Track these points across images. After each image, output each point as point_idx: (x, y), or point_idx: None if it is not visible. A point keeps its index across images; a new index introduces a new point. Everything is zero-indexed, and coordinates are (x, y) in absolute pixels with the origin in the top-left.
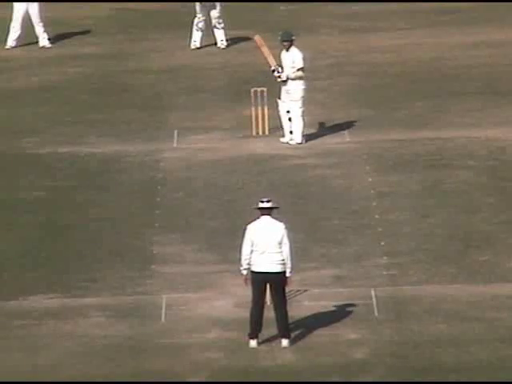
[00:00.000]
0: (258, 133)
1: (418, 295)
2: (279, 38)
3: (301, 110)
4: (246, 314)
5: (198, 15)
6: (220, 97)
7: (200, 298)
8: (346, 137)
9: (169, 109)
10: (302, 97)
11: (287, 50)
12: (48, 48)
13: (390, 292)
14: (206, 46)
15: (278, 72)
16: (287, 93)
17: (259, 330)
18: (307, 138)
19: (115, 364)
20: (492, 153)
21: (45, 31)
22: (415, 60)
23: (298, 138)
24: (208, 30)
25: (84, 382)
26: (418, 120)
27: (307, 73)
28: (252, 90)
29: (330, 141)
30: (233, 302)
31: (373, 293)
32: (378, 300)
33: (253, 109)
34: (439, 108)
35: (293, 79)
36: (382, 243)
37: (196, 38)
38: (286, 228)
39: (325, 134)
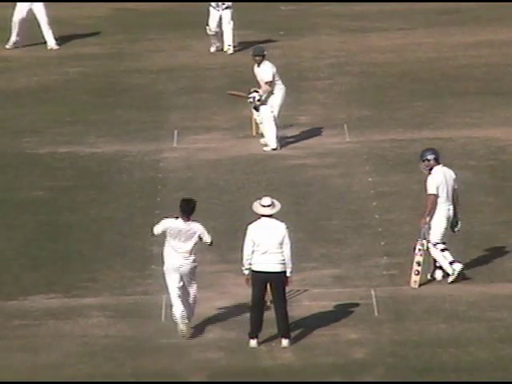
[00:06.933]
0: (257, 133)
1: (417, 295)
2: (251, 53)
3: (272, 114)
4: (246, 313)
5: (212, 16)
6: (220, 97)
7: (200, 297)
8: (345, 137)
9: (169, 109)
10: (279, 105)
11: (258, 65)
12: (56, 49)
13: (390, 292)
14: (205, 46)
15: (254, 99)
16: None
17: (259, 330)
18: (307, 138)
19: (115, 364)
20: (492, 153)
21: (51, 33)
22: (415, 60)
23: (272, 143)
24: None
25: (84, 381)
26: (418, 120)
27: (307, 73)
28: (252, 90)
29: (330, 141)
30: (233, 301)
31: (373, 293)
32: (378, 300)
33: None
34: (439, 108)
35: (264, 95)
36: (382, 243)
37: (214, 41)
38: (287, 228)
39: (325, 134)
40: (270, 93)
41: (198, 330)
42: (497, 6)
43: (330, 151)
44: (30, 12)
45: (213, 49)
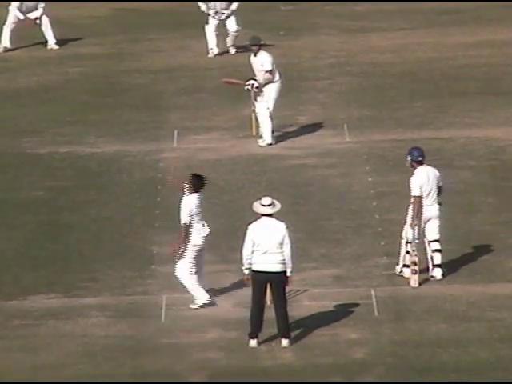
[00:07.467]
0: (257, 133)
1: (417, 295)
2: (248, 42)
3: (268, 110)
4: (246, 313)
5: (211, 21)
6: (220, 97)
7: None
8: (345, 137)
9: (169, 109)
10: (274, 98)
11: (255, 55)
12: (56, 49)
13: (389, 292)
14: (205, 46)
15: (252, 86)
16: (261, 93)
17: (259, 330)
18: (307, 138)
19: (115, 364)
20: (492, 153)
21: (52, 33)
22: (415, 60)
23: (268, 138)
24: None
25: (84, 381)
26: (418, 120)
27: (307, 73)
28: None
29: (330, 141)
30: (233, 302)
31: (373, 293)
32: (378, 300)
33: (252, 109)
34: (439, 108)
35: (264, 84)
36: (382, 243)
37: (212, 45)
38: (287, 228)
39: (325, 134)
40: (268, 83)
41: (198, 330)
42: (497, 6)
43: (330, 151)
44: (27, 13)
45: (215, 50)
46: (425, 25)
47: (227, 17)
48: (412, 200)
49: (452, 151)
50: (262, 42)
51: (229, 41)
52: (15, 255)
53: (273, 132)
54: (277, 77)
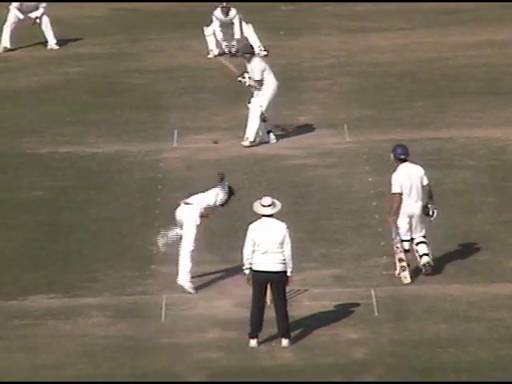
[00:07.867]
0: (257, 132)
1: (417, 295)
2: (240, 51)
3: (260, 108)
4: (246, 313)
5: (212, 25)
6: (220, 97)
7: (200, 298)
8: (345, 137)
9: (169, 109)
10: (269, 99)
11: (249, 62)
12: (56, 49)
13: (390, 292)
14: (205, 46)
15: (244, 78)
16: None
17: (259, 330)
18: (307, 138)
19: (115, 364)
20: (492, 153)
21: (52, 33)
22: (415, 60)
23: (251, 136)
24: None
25: (84, 381)
26: (418, 120)
27: (307, 73)
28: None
29: (330, 141)
30: (233, 302)
31: (373, 293)
32: (378, 300)
33: None
34: (439, 108)
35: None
36: (382, 243)
37: (212, 47)
38: (288, 228)
39: (325, 134)
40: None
41: (198, 330)
42: (497, 6)
43: (330, 151)
44: (27, 13)
45: (216, 51)
46: (425, 25)
47: (236, 50)
48: (391, 198)
49: (452, 151)
50: (254, 51)
51: (254, 43)
52: (15, 255)
53: (269, 132)
54: (272, 79)
